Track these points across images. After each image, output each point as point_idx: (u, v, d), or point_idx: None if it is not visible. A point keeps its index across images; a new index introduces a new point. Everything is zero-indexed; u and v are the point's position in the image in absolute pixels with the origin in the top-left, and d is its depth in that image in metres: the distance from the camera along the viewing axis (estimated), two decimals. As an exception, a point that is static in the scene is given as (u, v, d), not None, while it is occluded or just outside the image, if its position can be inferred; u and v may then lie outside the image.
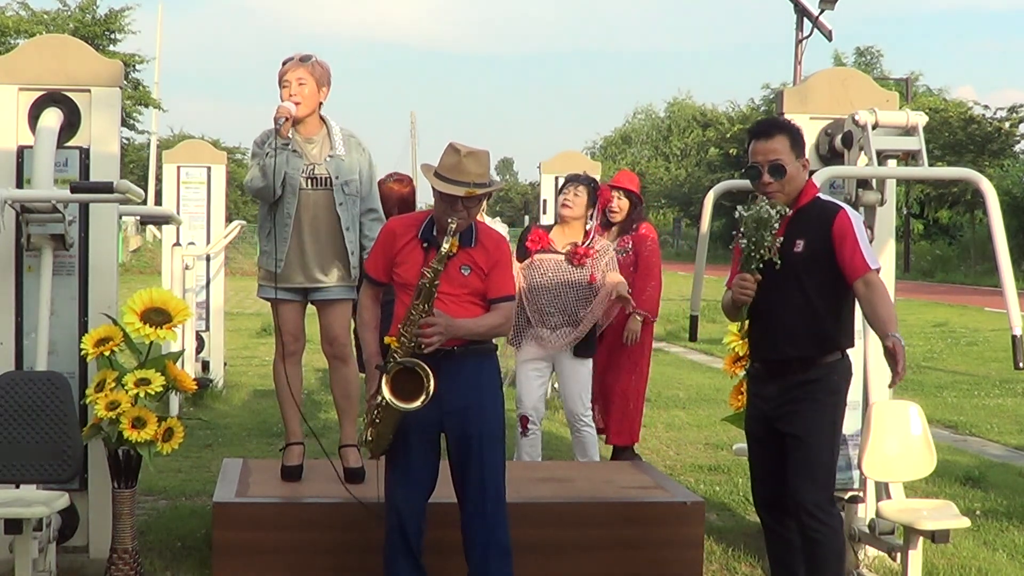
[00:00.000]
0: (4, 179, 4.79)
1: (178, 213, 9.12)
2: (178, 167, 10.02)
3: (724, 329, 5.32)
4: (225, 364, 10.36)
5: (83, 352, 4.62)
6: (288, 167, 4.85)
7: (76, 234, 4.86)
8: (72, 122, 4.91)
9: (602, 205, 6.31)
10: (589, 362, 6.17)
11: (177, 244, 9.20)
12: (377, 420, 4.02)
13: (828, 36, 23.30)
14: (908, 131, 5.02)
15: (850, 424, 4.27)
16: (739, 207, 4.12)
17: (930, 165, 5.23)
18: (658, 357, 14.10)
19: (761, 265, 4.06)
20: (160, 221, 9.75)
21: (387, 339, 4.05)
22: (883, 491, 4.85)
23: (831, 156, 5.30)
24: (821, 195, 4.21)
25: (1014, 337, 4.70)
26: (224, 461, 5.48)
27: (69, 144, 4.91)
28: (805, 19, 23.25)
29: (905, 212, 37.24)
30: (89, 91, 4.92)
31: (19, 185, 4.82)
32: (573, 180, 6.19)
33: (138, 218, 14.86)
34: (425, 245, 4.08)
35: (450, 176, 4.00)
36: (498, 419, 4.19)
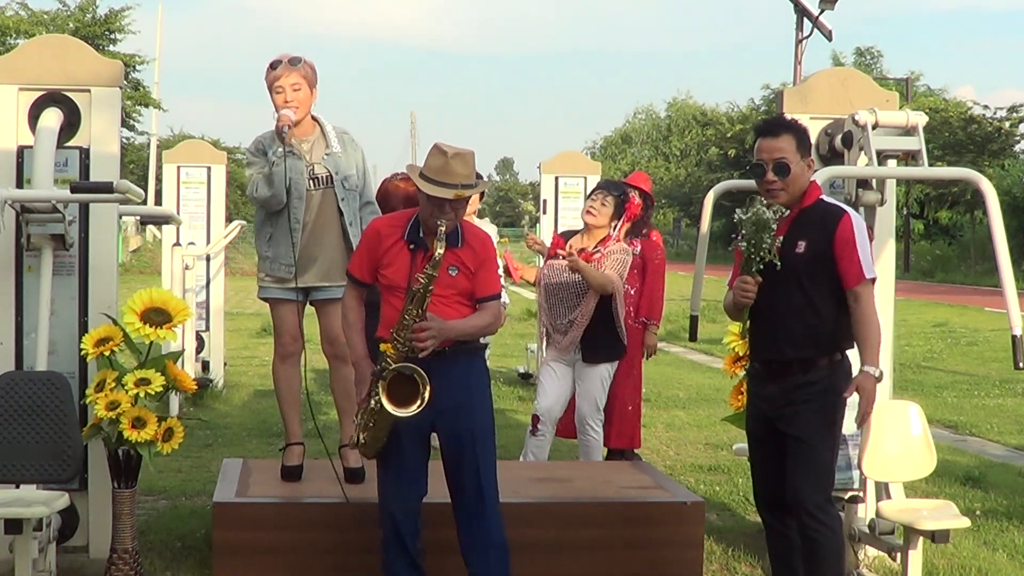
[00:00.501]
0: (4, 179, 4.79)
1: (178, 213, 9.12)
2: (178, 167, 10.02)
3: (724, 329, 5.32)
4: (225, 364, 10.36)
5: (83, 352, 4.62)
6: (292, 172, 4.85)
7: (76, 234, 4.86)
8: (72, 122, 4.91)
9: (628, 218, 6.29)
10: (604, 367, 6.11)
11: (177, 244, 9.20)
12: (371, 424, 4.03)
13: (828, 36, 23.31)
14: (908, 131, 5.02)
15: (850, 424, 4.27)
16: (738, 210, 4.13)
17: (930, 165, 5.23)
18: (658, 357, 14.00)
19: (762, 267, 4.07)
20: (160, 221, 9.75)
21: (383, 346, 4.05)
22: (883, 491, 4.85)
23: (831, 156, 5.30)
24: (825, 197, 4.22)
25: (1014, 337, 4.70)
26: (224, 461, 5.48)
27: (69, 144, 4.91)
28: (805, 19, 23.26)
29: (905, 212, 37.25)
30: (89, 91, 4.92)
31: (19, 185, 4.82)
32: (604, 187, 6.19)
33: (138, 218, 14.85)
34: (412, 247, 4.07)
35: (437, 178, 3.97)
36: (489, 416, 4.21)
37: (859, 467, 4.84)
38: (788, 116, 4.34)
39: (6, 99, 4.88)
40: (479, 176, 7.20)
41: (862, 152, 5.03)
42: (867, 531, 4.90)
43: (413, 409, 3.92)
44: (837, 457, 4.24)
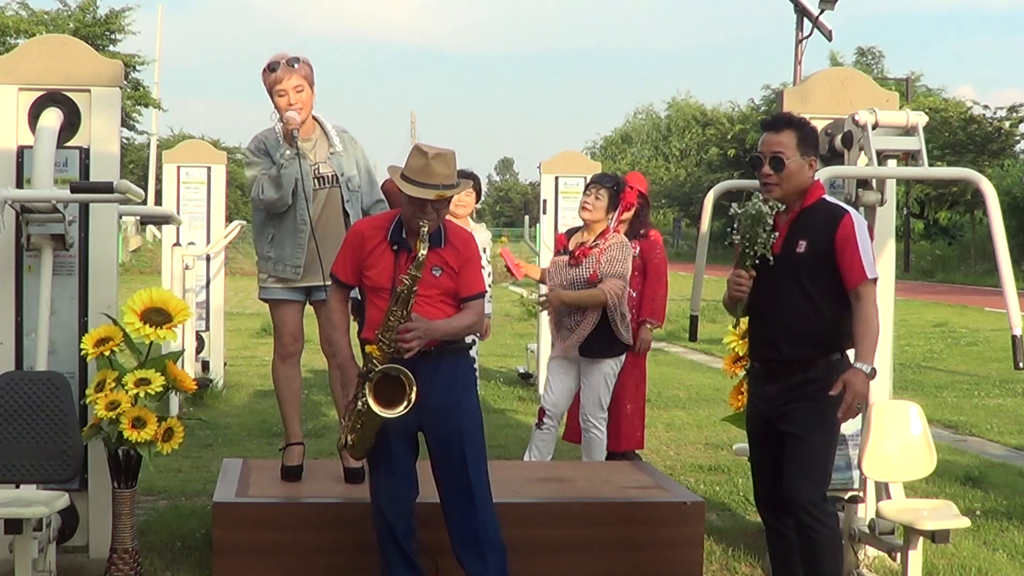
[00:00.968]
0: (4, 179, 4.79)
1: (178, 213, 9.12)
2: (178, 167, 10.02)
3: (724, 329, 5.32)
4: (225, 364, 10.36)
5: (83, 352, 4.62)
6: (300, 173, 4.85)
7: (76, 234, 4.86)
8: (72, 122, 4.91)
9: (624, 208, 6.29)
10: (608, 363, 6.10)
11: (177, 244, 9.19)
12: (359, 425, 4.04)
13: (828, 36, 23.30)
14: (908, 131, 5.02)
15: (850, 424, 4.27)
16: (734, 205, 4.14)
17: (930, 165, 5.23)
18: (658, 357, 14.11)
19: (756, 261, 4.07)
20: (160, 221, 9.75)
21: (368, 348, 4.06)
22: (883, 491, 4.85)
23: (831, 156, 5.29)
24: (827, 197, 4.22)
25: (1014, 337, 4.70)
26: (224, 461, 5.48)
27: (69, 144, 4.91)
28: (805, 19, 23.25)
29: (905, 212, 37.25)
30: (89, 91, 4.92)
31: (19, 185, 4.82)
32: (596, 181, 6.18)
33: (138, 218, 14.85)
34: (395, 248, 4.08)
35: (418, 179, 3.98)
36: (476, 414, 4.22)
37: (859, 467, 4.84)
38: (796, 114, 4.31)
39: (6, 99, 4.88)
40: (475, 176, 7.27)
41: (862, 152, 5.03)
42: (867, 531, 4.90)
43: (400, 410, 3.93)
44: (835, 456, 4.24)
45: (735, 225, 4.08)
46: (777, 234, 4.09)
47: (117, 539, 4.62)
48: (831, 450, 4.16)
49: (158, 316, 4.59)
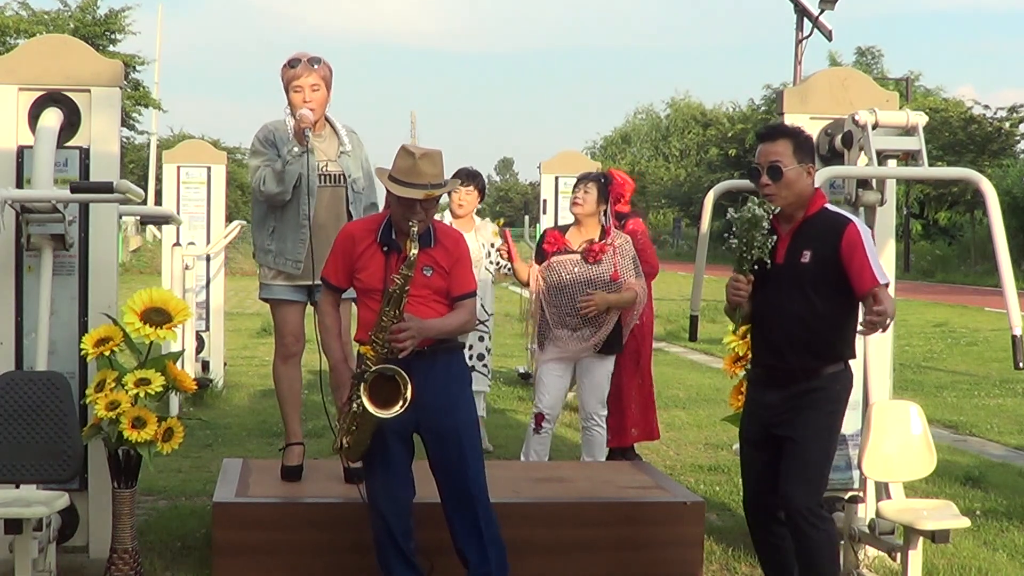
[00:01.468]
0: (4, 179, 4.79)
1: (178, 213, 9.12)
2: (178, 167, 10.02)
3: (724, 329, 5.32)
4: (225, 364, 10.36)
5: (83, 352, 4.62)
6: (306, 168, 4.85)
7: (76, 234, 4.86)
8: (72, 122, 4.91)
9: (616, 198, 6.29)
10: (611, 361, 6.12)
11: (177, 244, 9.20)
12: (354, 427, 4.03)
13: (828, 36, 23.29)
14: (908, 131, 5.02)
15: (850, 424, 4.27)
16: (730, 209, 4.13)
17: (930, 165, 5.23)
18: (658, 357, 14.07)
19: (754, 266, 4.07)
20: (160, 221, 9.75)
21: (361, 348, 4.06)
22: (883, 491, 4.85)
23: (831, 156, 5.30)
24: (829, 206, 4.22)
25: (1014, 337, 4.70)
26: (224, 461, 5.48)
27: (69, 144, 4.91)
28: (805, 19, 23.24)
29: (905, 212, 37.25)
30: (89, 91, 4.92)
31: (19, 185, 4.82)
32: (583, 178, 6.18)
33: (138, 218, 14.85)
34: (385, 249, 4.09)
35: (406, 179, 3.99)
36: (472, 412, 4.24)
37: (859, 467, 4.84)
38: (789, 123, 4.32)
39: (6, 99, 4.88)
40: (479, 175, 7.27)
41: (862, 152, 5.03)
42: (867, 531, 4.90)
43: (395, 410, 3.93)
44: (831, 463, 4.21)
45: (732, 230, 4.08)
46: (775, 238, 4.08)
47: (117, 539, 4.62)
48: (829, 456, 4.15)
49: (158, 316, 4.59)
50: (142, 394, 4.48)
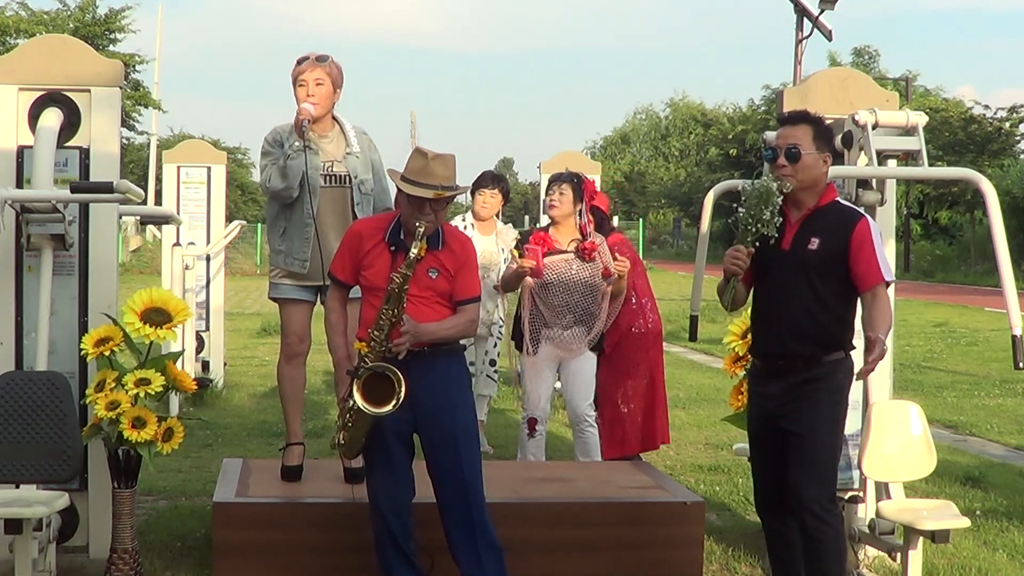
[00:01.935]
0: (4, 179, 4.79)
1: (178, 213, 9.12)
2: (178, 167, 10.02)
3: (724, 329, 5.31)
4: (225, 364, 10.36)
5: (83, 352, 4.62)
6: (308, 166, 4.86)
7: (76, 234, 4.86)
8: (72, 122, 4.91)
9: (587, 198, 6.31)
10: (595, 360, 6.15)
11: (177, 244, 9.20)
12: (349, 424, 4.04)
13: (828, 36, 23.28)
14: (908, 131, 5.02)
15: (850, 424, 4.27)
16: (742, 182, 4.13)
17: (930, 165, 5.23)
18: (658, 357, 14.10)
19: (757, 242, 4.07)
20: (160, 221, 9.76)
21: (357, 344, 4.07)
22: (883, 491, 4.85)
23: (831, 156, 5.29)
24: (840, 199, 4.24)
25: (1014, 337, 4.70)
26: (224, 461, 5.48)
27: (69, 144, 4.91)
28: (805, 19, 23.24)
29: (905, 212, 37.26)
30: (89, 91, 4.92)
31: (19, 185, 4.82)
32: (556, 180, 6.21)
33: (138, 218, 14.85)
34: (392, 248, 4.10)
35: (417, 179, 4.01)
36: (470, 415, 4.23)
37: (859, 467, 4.84)
38: (812, 111, 4.32)
39: (6, 99, 4.88)
40: (503, 179, 7.30)
41: (862, 152, 5.03)
42: (867, 531, 4.90)
43: (389, 407, 3.92)
44: (840, 455, 4.24)
45: (741, 199, 4.07)
46: (781, 220, 4.08)
47: (117, 539, 4.62)
48: (836, 449, 4.16)
49: (158, 316, 4.59)
50: (142, 394, 4.48)
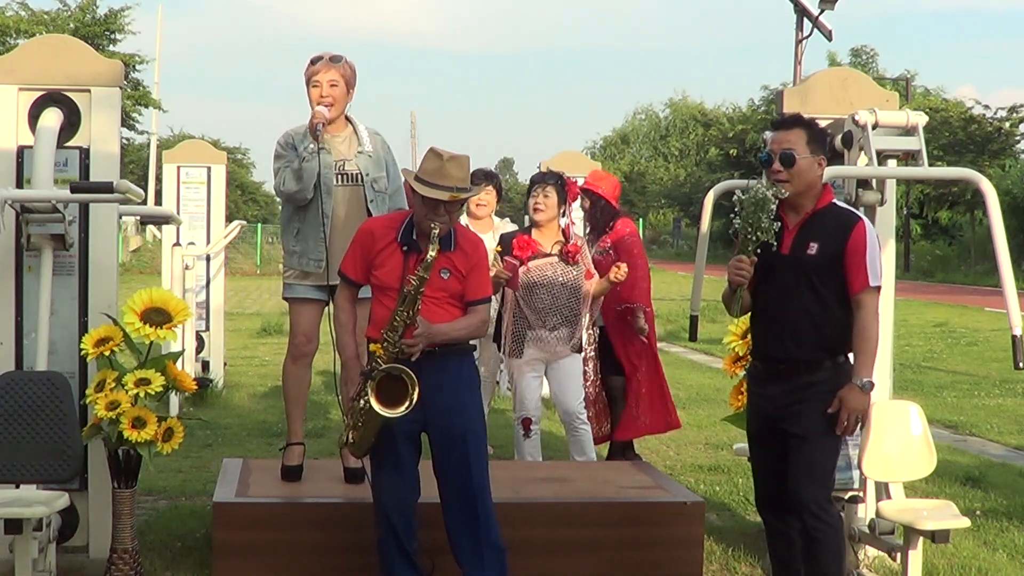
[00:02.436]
0: (4, 179, 4.79)
1: (178, 213, 9.12)
2: (178, 167, 10.02)
3: (724, 329, 5.32)
4: (225, 364, 10.36)
5: (83, 352, 4.62)
6: (321, 166, 4.86)
7: (76, 234, 4.86)
8: (72, 122, 4.91)
9: (571, 200, 6.32)
10: (580, 358, 6.18)
11: (177, 244, 9.20)
12: (360, 424, 4.04)
13: (828, 36, 23.29)
14: (908, 131, 5.02)
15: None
16: (737, 191, 4.14)
17: (930, 165, 5.23)
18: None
19: (758, 250, 4.07)
20: (160, 221, 9.76)
21: (372, 346, 4.06)
22: (883, 491, 4.85)
23: (831, 156, 5.28)
24: (837, 201, 4.25)
25: (1014, 337, 4.70)
26: (224, 461, 5.48)
27: (69, 144, 4.91)
28: (805, 19, 23.24)
29: (905, 212, 37.25)
30: (89, 91, 4.92)
31: (19, 185, 4.82)
32: (540, 181, 6.20)
33: (138, 218, 14.85)
34: (405, 248, 4.09)
35: (432, 180, 4.00)
36: (479, 417, 4.22)
37: (859, 467, 4.83)
38: (805, 115, 4.33)
39: (6, 99, 4.88)
40: (496, 175, 7.28)
41: (862, 152, 5.03)
42: (867, 531, 4.90)
43: (401, 410, 3.93)
44: (838, 457, 4.25)
45: (737, 210, 4.08)
46: (780, 224, 4.09)
47: (117, 539, 4.62)
48: (835, 452, 4.18)
49: (158, 316, 4.59)
50: (142, 394, 4.48)
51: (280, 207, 5.16)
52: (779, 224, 4.08)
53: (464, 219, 7.18)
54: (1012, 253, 5.35)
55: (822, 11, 22.63)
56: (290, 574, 4.61)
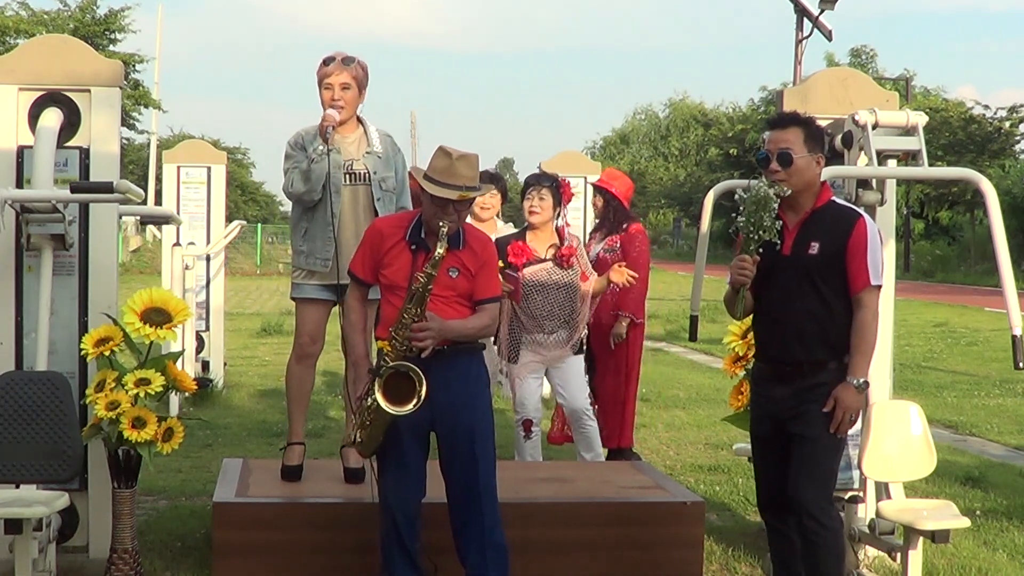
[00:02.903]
0: (4, 179, 4.79)
1: (178, 213, 9.12)
2: (178, 167, 10.02)
3: (724, 329, 5.32)
4: (225, 364, 10.36)
5: (83, 352, 4.62)
6: (330, 167, 4.86)
7: (76, 234, 4.86)
8: (72, 122, 4.91)
9: (566, 201, 6.31)
10: (581, 358, 6.21)
11: (177, 244, 9.20)
12: (367, 423, 4.03)
13: (828, 36, 23.27)
14: (908, 131, 5.02)
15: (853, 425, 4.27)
16: (739, 190, 4.12)
17: (930, 165, 5.23)
18: (658, 357, 14.12)
19: (760, 248, 4.05)
20: (160, 221, 9.75)
21: (379, 343, 4.06)
22: (883, 491, 4.85)
23: (831, 156, 5.28)
24: (836, 199, 4.23)
25: (1014, 337, 4.70)
26: (224, 461, 5.48)
27: (69, 144, 4.91)
28: (805, 19, 23.23)
29: (905, 212, 37.26)
30: (89, 91, 4.92)
31: (19, 185, 4.82)
32: (535, 183, 6.15)
33: (138, 218, 14.85)
34: (413, 247, 4.09)
35: (442, 179, 4.00)
36: (488, 416, 4.21)
37: (859, 467, 4.84)
38: (801, 112, 4.31)
39: (6, 99, 4.88)
40: (500, 178, 7.28)
41: (862, 152, 5.03)
42: (867, 531, 4.90)
43: (409, 408, 3.92)
44: (840, 460, 4.23)
45: (739, 209, 4.06)
46: (782, 222, 4.07)
47: (117, 539, 4.62)
48: (838, 454, 4.16)
49: (158, 316, 4.59)
50: (142, 394, 4.48)
51: (282, 207, 5.16)
52: (780, 222, 4.06)
53: (468, 221, 7.19)
54: (1012, 253, 5.35)
55: (822, 11, 22.61)
56: (290, 574, 4.61)
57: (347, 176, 4.95)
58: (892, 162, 5.14)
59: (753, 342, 4.89)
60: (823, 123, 5.35)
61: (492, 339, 6.20)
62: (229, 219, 10.65)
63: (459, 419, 4.11)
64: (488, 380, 4.31)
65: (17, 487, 4.49)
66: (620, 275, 6.10)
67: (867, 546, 5.02)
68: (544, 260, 6.04)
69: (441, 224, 3.97)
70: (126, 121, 33.18)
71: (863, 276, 4.02)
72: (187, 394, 6.95)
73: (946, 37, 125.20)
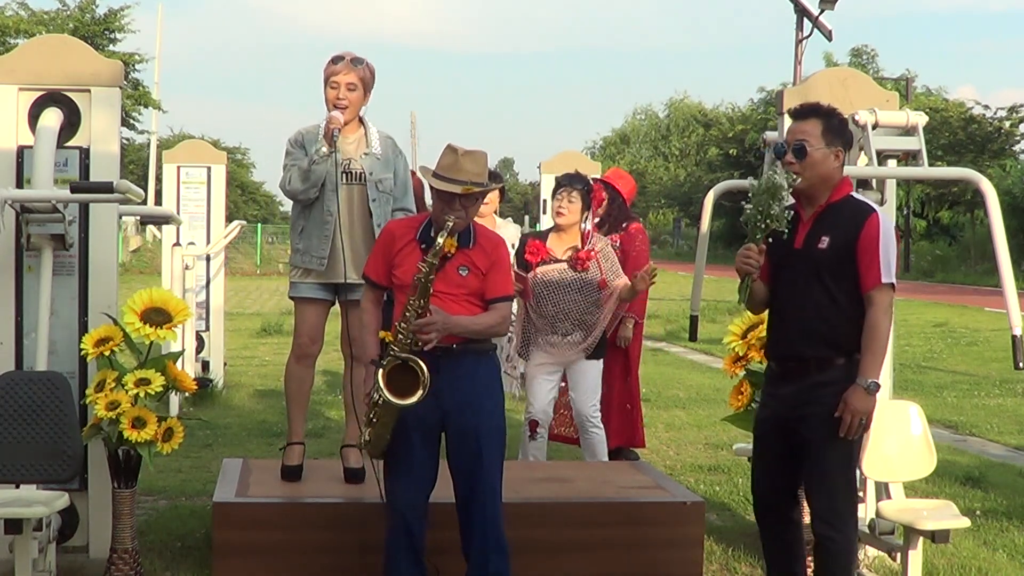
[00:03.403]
0: (4, 179, 4.79)
1: (178, 213, 9.12)
2: (178, 167, 10.02)
3: (724, 329, 5.31)
4: (225, 364, 10.36)
5: (83, 352, 4.62)
6: (331, 167, 4.86)
7: (76, 234, 4.86)
8: (72, 122, 4.91)
9: (596, 206, 6.28)
10: (600, 363, 6.15)
11: (177, 244, 9.20)
12: (374, 419, 4.03)
13: (828, 36, 23.29)
14: (908, 131, 5.03)
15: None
16: (750, 178, 4.08)
17: (930, 165, 5.23)
18: (658, 357, 14.12)
19: (769, 238, 3.99)
20: (160, 221, 9.76)
21: (382, 333, 4.06)
22: (883, 491, 4.85)
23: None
24: (855, 194, 4.16)
25: (1014, 337, 4.70)
26: (224, 461, 5.48)
27: (69, 144, 4.91)
28: (805, 19, 23.24)
29: (905, 212, 37.25)
30: (89, 91, 4.92)
31: (19, 185, 4.82)
32: (567, 184, 6.08)
33: (138, 218, 14.86)
34: (423, 246, 4.09)
35: (447, 175, 4.03)
36: (498, 416, 4.20)
37: (859, 467, 4.83)
38: (825, 104, 4.18)
39: (6, 99, 4.88)
40: (498, 175, 7.27)
41: (862, 152, 5.03)
42: (867, 531, 4.90)
43: (414, 399, 3.92)
44: (855, 465, 4.15)
45: (748, 195, 3.99)
46: (792, 213, 4.01)
47: (117, 539, 4.62)
48: (850, 460, 4.06)
49: (158, 316, 4.59)
50: (142, 394, 4.48)
51: (282, 207, 5.17)
52: (793, 213, 3.98)
53: None
54: (1012, 253, 5.35)
55: (822, 11, 22.62)
56: (290, 574, 4.61)
57: (344, 175, 4.95)
58: (892, 162, 5.14)
59: (753, 342, 4.90)
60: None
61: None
62: (229, 219, 10.65)
63: (466, 419, 4.10)
64: (500, 381, 4.28)
65: (17, 487, 4.49)
66: (644, 283, 6.03)
67: (867, 546, 5.02)
68: (559, 261, 6.01)
69: (447, 219, 3.98)
70: (126, 121, 33.18)
71: (875, 273, 3.92)
72: (187, 394, 6.95)
73: (946, 37, 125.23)
